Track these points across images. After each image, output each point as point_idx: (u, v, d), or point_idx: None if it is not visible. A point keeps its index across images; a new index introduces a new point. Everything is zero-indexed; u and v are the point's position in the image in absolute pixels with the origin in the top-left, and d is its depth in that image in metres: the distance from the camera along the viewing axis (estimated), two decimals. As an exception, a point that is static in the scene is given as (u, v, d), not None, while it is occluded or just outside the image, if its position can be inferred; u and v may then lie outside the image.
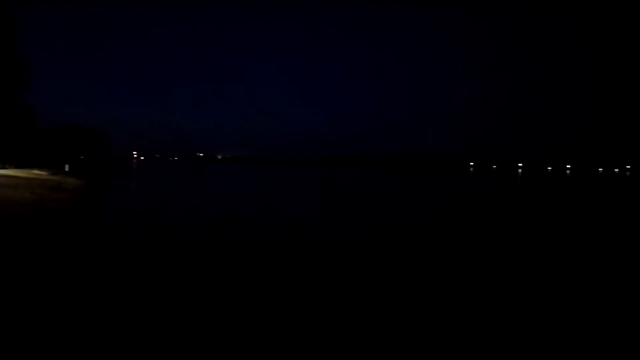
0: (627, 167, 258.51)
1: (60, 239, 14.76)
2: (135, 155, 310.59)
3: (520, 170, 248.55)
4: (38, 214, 18.90)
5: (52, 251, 12.73)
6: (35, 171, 51.43)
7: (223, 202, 33.87)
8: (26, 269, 10.30)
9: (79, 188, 36.65)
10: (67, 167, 65.73)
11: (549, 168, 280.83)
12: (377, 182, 72.64)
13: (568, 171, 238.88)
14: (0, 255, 10.84)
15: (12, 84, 42.86)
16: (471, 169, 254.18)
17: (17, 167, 53.78)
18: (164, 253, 13.55)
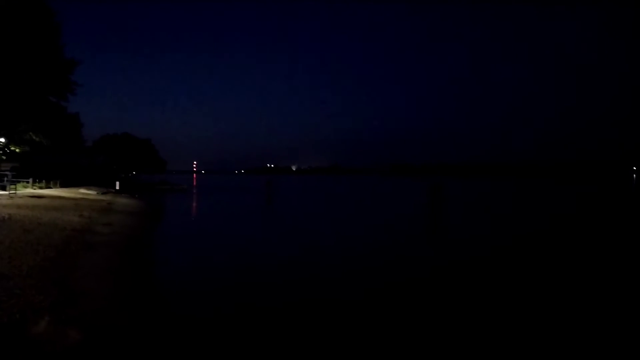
0: None
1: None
2: (195, 169, 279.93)
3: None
4: (88, 241, 15.45)
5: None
6: (82, 190, 46.87)
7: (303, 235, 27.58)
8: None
9: (131, 210, 31.34)
10: (117, 185, 61.45)
11: None
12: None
13: None
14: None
15: (55, 87, 36.00)
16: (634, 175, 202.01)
17: (62, 185, 49.43)
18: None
